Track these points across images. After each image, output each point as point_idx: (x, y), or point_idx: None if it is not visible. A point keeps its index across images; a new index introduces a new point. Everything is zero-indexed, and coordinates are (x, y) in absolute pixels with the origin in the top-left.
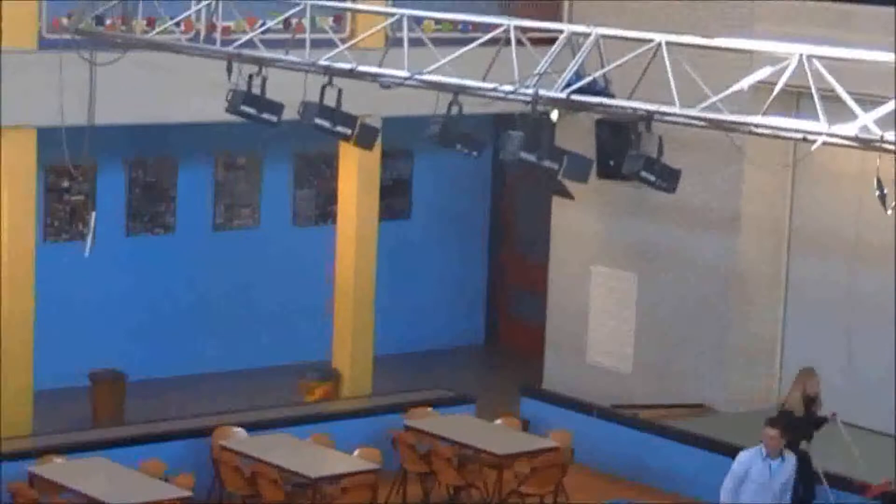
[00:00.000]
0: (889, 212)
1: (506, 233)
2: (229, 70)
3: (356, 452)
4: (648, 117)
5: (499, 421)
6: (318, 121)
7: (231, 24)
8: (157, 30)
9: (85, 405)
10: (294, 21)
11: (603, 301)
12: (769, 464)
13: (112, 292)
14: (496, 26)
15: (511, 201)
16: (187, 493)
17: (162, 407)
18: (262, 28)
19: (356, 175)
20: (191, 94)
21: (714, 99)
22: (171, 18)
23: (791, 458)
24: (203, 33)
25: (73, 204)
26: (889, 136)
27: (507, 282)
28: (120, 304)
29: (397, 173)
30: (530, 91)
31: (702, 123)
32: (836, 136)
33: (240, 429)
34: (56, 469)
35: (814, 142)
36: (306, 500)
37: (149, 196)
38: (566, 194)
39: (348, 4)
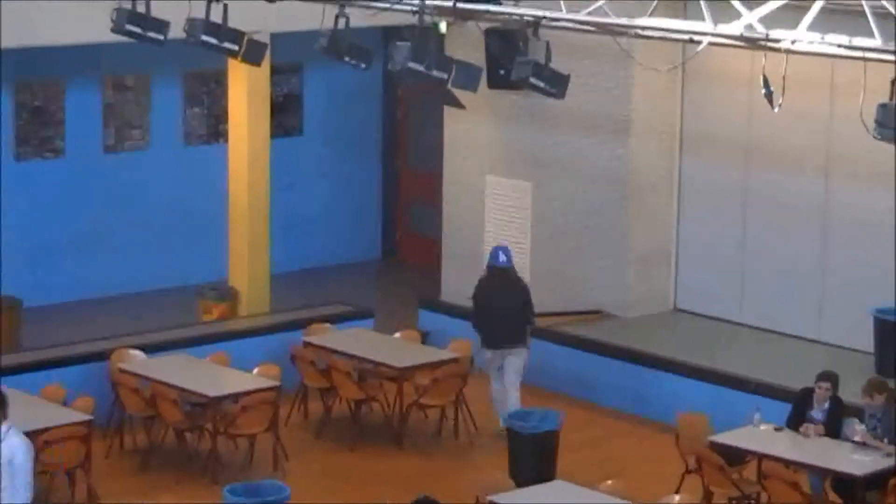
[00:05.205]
0: (776, 109)
1: (400, 146)
2: None
3: (255, 370)
4: (535, 23)
5: (398, 334)
6: (204, 38)
7: None
8: None
9: None
10: None
11: (498, 211)
12: None
13: (4, 218)
14: None
15: (404, 114)
16: (87, 417)
17: (59, 332)
18: None
19: (245, 92)
20: (75, 14)
21: (600, 3)
22: None
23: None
24: None
25: None
26: (774, 34)
27: (403, 195)
28: (13, 230)
29: (288, 89)
30: (416, 0)
31: (589, 28)
32: (722, 35)
33: (138, 351)
34: None
35: (700, 42)
36: (206, 420)
37: (37, 120)
38: (457, 104)
39: None
